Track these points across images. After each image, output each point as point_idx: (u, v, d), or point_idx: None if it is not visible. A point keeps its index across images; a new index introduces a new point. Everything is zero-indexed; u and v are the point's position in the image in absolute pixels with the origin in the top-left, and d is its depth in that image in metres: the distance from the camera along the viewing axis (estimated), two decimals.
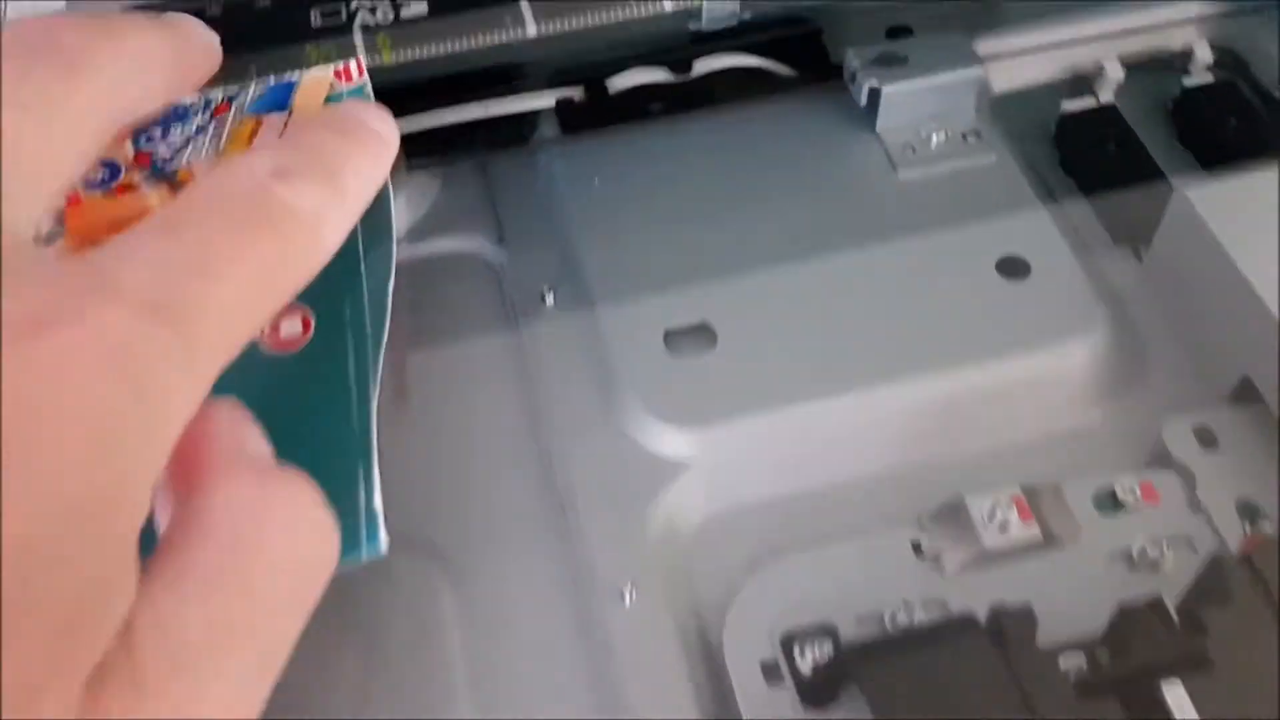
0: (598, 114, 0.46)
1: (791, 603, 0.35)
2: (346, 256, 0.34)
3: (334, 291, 0.33)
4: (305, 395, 0.31)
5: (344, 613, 0.35)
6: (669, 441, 0.38)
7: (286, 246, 0.24)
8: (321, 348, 0.32)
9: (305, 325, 0.33)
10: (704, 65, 0.47)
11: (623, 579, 0.35)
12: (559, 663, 0.35)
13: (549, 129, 0.47)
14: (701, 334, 0.40)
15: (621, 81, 0.46)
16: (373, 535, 0.29)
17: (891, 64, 0.43)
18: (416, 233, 0.44)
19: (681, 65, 0.47)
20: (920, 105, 0.44)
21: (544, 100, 0.46)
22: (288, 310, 0.33)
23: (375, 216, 0.34)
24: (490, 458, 0.39)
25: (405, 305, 0.34)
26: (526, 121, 0.47)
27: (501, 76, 0.47)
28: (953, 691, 0.29)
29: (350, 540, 0.29)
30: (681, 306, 0.40)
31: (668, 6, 0.38)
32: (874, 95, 0.43)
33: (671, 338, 0.40)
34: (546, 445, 0.39)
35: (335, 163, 0.27)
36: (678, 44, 0.46)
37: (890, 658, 0.32)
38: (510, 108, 0.46)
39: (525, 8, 0.38)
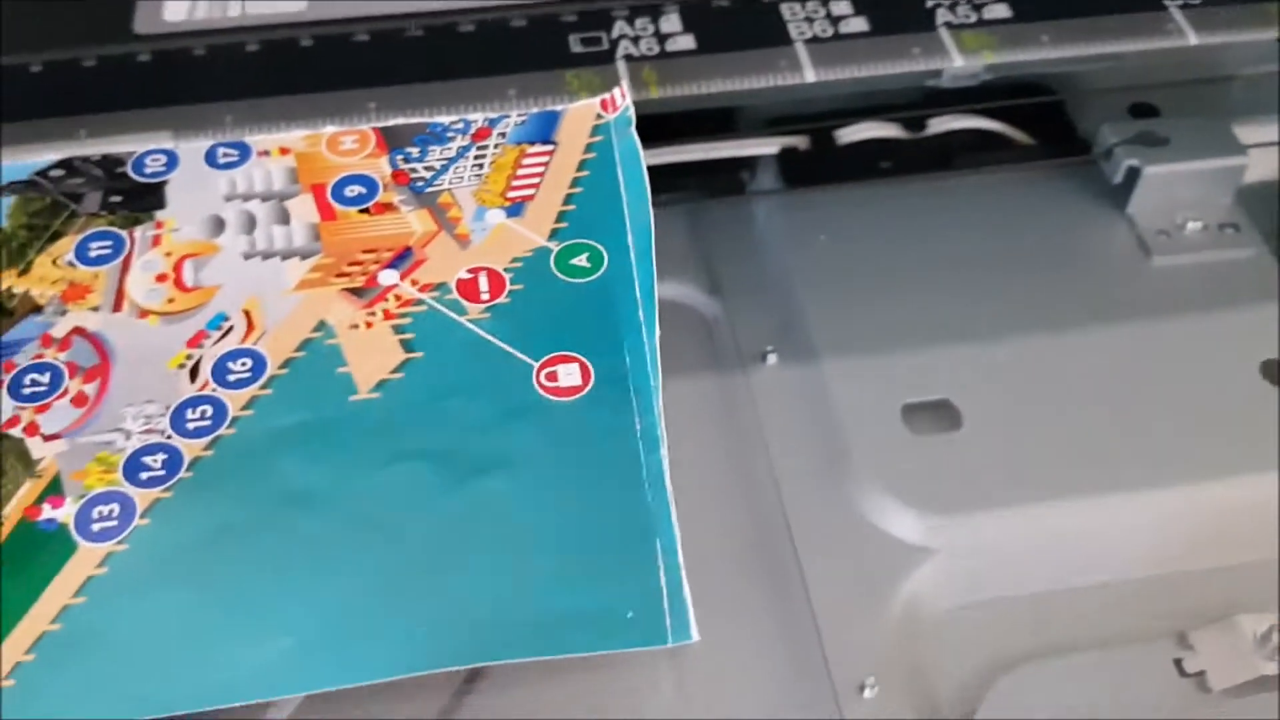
0: (824, 166, 0.44)
1: (1045, 710, 0.32)
2: (624, 305, 0.32)
3: (613, 339, 0.31)
4: (591, 451, 0.29)
5: (566, 681, 0.32)
6: (911, 527, 0.35)
7: None
8: (603, 399, 0.30)
9: (585, 374, 0.30)
10: (939, 124, 0.44)
11: (861, 669, 0.33)
12: None
13: (766, 179, 0.44)
14: (943, 411, 0.37)
15: (851, 134, 0.44)
16: (680, 619, 0.27)
17: (1152, 144, 0.41)
18: None
19: (914, 122, 0.44)
20: (1178, 189, 0.41)
21: (767, 147, 0.44)
22: (566, 357, 0.30)
23: (645, 270, 0.32)
24: (704, 521, 0.37)
25: None
26: (745, 168, 0.45)
27: (723, 119, 0.45)
28: None
29: (653, 623, 0.27)
30: (920, 380, 0.38)
31: (958, 63, 0.35)
32: (1132, 174, 0.41)
33: (910, 412, 0.37)
34: (770, 515, 0.36)
35: None
36: (912, 100, 0.44)
37: None
38: (731, 152, 0.44)
39: (801, 50, 0.35)
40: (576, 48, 0.36)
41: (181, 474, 0.28)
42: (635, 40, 0.36)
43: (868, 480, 0.36)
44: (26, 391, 0.29)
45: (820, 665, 0.33)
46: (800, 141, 0.44)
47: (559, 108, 0.34)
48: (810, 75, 0.35)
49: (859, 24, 0.36)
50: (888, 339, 0.39)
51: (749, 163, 0.44)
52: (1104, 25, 0.36)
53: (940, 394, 0.37)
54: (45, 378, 0.29)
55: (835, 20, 0.36)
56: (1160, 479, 0.36)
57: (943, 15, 0.36)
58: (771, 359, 0.39)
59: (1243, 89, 0.46)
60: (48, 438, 0.28)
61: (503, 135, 0.34)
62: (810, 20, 0.36)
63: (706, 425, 0.39)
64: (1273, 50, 0.42)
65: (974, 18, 0.36)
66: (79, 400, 0.29)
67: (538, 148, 0.34)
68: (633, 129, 0.34)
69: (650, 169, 0.42)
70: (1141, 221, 0.42)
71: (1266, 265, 0.41)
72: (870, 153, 0.44)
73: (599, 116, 0.34)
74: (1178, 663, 0.33)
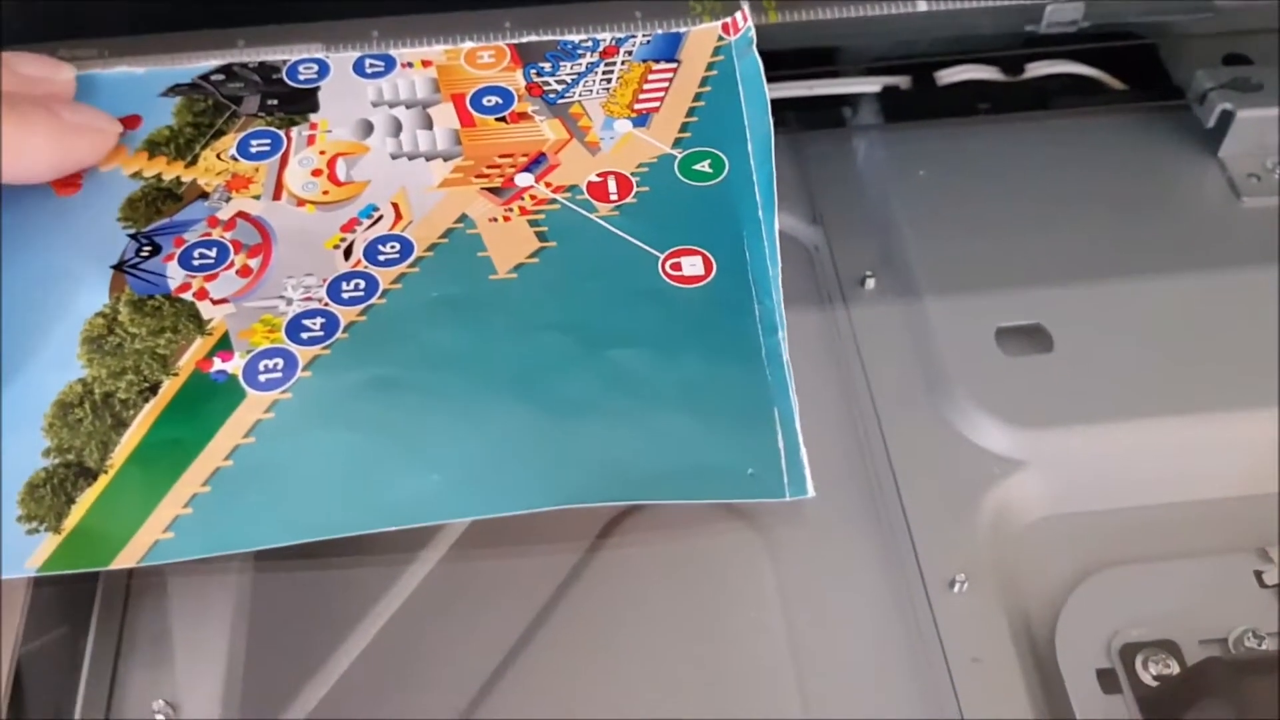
0: (923, 105, 0.45)
1: (1125, 613, 0.34)
2: (745, 206, 0.34)
3: (734, 236, 0.33)
4: (713, 331, 0.31)
5: (674, 569, 0.35)
6: (1001, 439, 0.37)
7: None
8: (724, 287, 0.32)
9: (707, 265, 0.33)
10: (1036, 69, 0.46)
11: (951, 567, 0.34)
12: (882, 644, 0.34)
13: (868, 114, 0.46)
14: (1035, 335, 0.39)
15: (951, 75, 0.46)
16: (797, 477, 0.29)
17: (1245, 89, 0.42)
18: None
19: (1012, 66, 0.46)
20: (1269, 134, 0.42)
21: (870, 85, 0.46)
22: (689, 250, 0.33)
23: (765, 175, 0.34)
24: (805, 433, 0.39)
25: None
26: (846, 104, 0.47)
27: (826, 58, 0.46)
28: None
29: (771, 480, 0.29)
30: (1013, 305, 0.39)
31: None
32: (1225, 118, 0.42)
33: (1003, 335, 0.39)
34: (866, 427, 0.38)
35: None
36: (1010, 44, 0.46)
37: (1257, 679, 0.31)
38: (835, 89, 0.46)
39: None
40: None
41: (338, 335, 0.30)
42: None
43: (961, 395, 0.37)
44: (196, 263, 0.32)
45: (912, 562, 0.35)
46: (902, 81, 0.46)
47: (682, 29, 0.37)
48: (922, 5, 0.36)
49: None
50: (983, 267, 0.41)
51: (851, 99, 0.46)
52: None
53: (1033, 319, 0.39)
54: (212, 252, 0.32)
55: None
56: (1244, 403, 0.37)
57: None
58: (870, 284, 0.41)
59: None
60: (216, 302, 0.31)
61: (629, 53, 0.36)
62: None
63: (808, 344, 0.41)
64: None
65: None
66: (244, 272, 0.32)
67: (662, 65, 0.36)
68: (754, 49, 0.36)
69: None
70: (1232, 165, 0.43)
71: None
72: (969, 93, 0.46)
73: (720, 39, 0.36)
74: (1258, 575, 0.35)
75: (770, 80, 0.44)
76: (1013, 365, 0.38)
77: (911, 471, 0.36)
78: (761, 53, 0.38)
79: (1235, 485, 0.37)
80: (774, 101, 0.44)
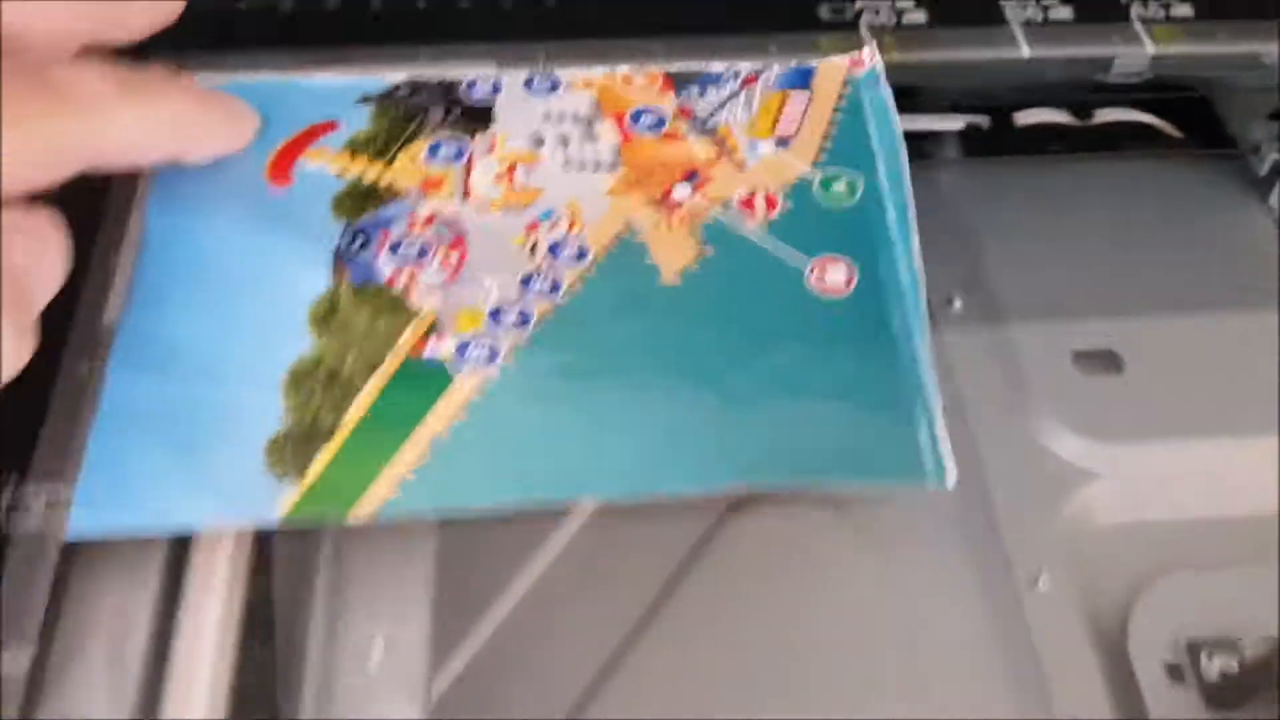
0: (1001, 144, 0.50)
1: (1192, 612, 0.37)
2: (878, 225, 0.38)
3: (871, 251, 0.38)
4: (855, 336, 0.36)
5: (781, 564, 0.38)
6: (1079, 451, 0.41)
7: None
8: (864, 295, 0.36)
9: (850, 275, 0.37)
10: (1104, 115, 0.50)
11: (1035, 565, 0.38)
12: (969, 634, 0.37)
13: (950, 150, 0.50)
14: (1108, 359, 0.43)
15: (1026, 118, 0.50)
16: (938, 467, 0.33)
17: None
18: None
19: (1082, 111, 0.50)
20: None
21: (953, 124, 0.50)
22: (833, 260, 0.37)
23: (899, 196, 0.38)
24: None
25: None
26: (931, 140, 0.51)
27: (909, 94, 0.51)
28: None
29: (912, 468, 0.33)
30: (1088, 330, 0.43)
31: (1150, 51, 0.41)
32: (1276, 168, 0.47)
33: (1079, 358, 0.43)
34: (955, 436, 0.41)
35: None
36: (1079, 91, 0.50)
37: None
38: (923, 125, 0.50)
39: (1018, 30, 0.42)
40: (825, 15, 0.42)
41: (531, 328, 0.34)
42: (875, 12, 0.42)
43: (1042, 410, 0.41)
44: (403, 255, 0.36)
45: (1001, 560, 0.39)
46: (982, 120, 0.50)
47: (813, 63, 0.41)
48: (1025, 52, 0.41)
49: (1065, 13, 0.43)
50: (1059, 295, 0.45)
51: (937, 136, 0.50)
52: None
53: (1106, 344, 0.43)
54: (415, 247, 0.36)
55: (1045, 8, 0.43)
56: None
57: (1136, 10, 0.42)
58: (957, 304, 0.45)
59: None
60: (425, 292, 0.35)
61: (768, 82, 0.40)
62: (1023, 6, 0.43)
63: None
64: None
65: (1162, 15, 0.42)
66: (444, 264, 0.35)
67: (797, 93, 0.40)
68: (881, 82, 0.40)
69: None
70: None
71: None
72: (1043, 135, 0.50)
73: (848, 71, 0.41)
74: None
75: None
76: (1088, 384, 0.42)
77: (999, 479, 0.40)
78: None
79: None
80: None
